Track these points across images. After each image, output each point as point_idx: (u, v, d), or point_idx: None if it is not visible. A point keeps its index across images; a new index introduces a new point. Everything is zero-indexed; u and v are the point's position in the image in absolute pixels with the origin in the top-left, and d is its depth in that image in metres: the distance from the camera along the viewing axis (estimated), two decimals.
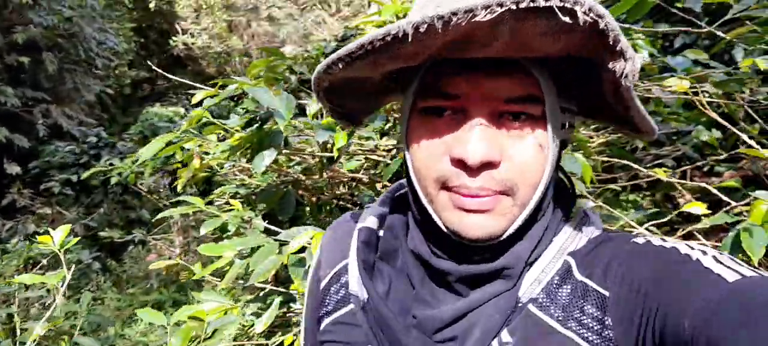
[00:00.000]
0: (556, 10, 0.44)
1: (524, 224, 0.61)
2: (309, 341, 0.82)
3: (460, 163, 0.56)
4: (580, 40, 0.49)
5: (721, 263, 0.51)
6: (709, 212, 1.51)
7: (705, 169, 2.21)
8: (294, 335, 2.24)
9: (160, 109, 9.05)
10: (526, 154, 0.57)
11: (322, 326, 0.75)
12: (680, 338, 0.48)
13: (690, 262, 0.52)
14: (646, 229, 1.67)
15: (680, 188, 1.79)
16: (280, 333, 2.14)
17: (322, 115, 1.84)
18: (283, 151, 2.05)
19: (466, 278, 0.62)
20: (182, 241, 5.61)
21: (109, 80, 10.49)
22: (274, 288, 2.18)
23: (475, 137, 0.55)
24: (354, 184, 2.52)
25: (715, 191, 1.49)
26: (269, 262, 1.75)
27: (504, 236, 0.60)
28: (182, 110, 9.11)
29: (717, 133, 1.96)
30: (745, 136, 1.42)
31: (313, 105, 1.76)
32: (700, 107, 1.36)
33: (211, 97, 1.69)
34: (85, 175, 4.22)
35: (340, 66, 0.56)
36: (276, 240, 1.83)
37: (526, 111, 0.56)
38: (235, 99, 2.18)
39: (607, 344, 0.55)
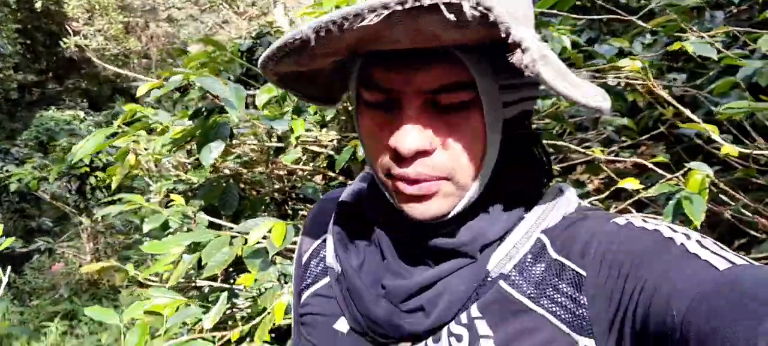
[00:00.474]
0: (442, 7, 0.45)
1: (477, 203, 0.62)
2: (295, 315, 0.83)
3: (395, 154, 0.58)
4: (481, 32, 0.49)
5: (707, 248, 0.51)
6: (642, 186, 1.65)
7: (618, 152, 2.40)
8: (240, 331, 2.20)
9: (57, 114, 8.46)
10: (460, 140, 0.58)
11: (302, 298, 0.77)
12: (666, 324, 0.48)
13: (675, 246, 0.52)
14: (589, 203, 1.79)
15: (608, 170, 1.94)
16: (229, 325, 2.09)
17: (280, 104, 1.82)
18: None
19: (430, 252, 0.64)
20: (92, 247, 5.29)
21: None
22: (221, 285, 2.14)
23: (406, 129, 0.56)
24: (294, 176, 2.51)
25: (651, 166, 1.62)
26: (222, 255, 1.72)
27: (450, 216, 0.61)
28: (81, 114, 8.58)
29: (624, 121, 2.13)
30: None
31: (262, 95, 1.74)
32: (650, 86, 1.48)
33: (158, 88, 1.63)
34: None
35: (270, 65, 0.58)
36: (227, 234, 1.80)
37: (457, 98, 0.57)
38: (182, 90, 2.09)
39: (581, 322, 0.56)
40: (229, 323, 2.29)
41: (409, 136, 0.56)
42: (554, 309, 0.57)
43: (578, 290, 0.57)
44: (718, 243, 0.53)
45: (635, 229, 0.57)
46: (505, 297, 0.60)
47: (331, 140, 2.37)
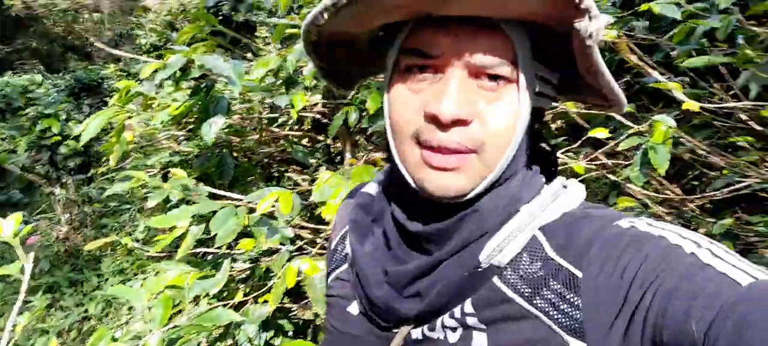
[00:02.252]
0: None
1: (491, 186, 0.62)
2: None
3: (433, 119, 0.57)
4: (546, 5, 0.51)
5: (720, 257, 0.50)
6: (611, 135, 1.80)
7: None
8: (243, 292, 2.33)
9: (13, 79, 8.17)
10: (497, 114, 0.58)
11: (328, 280, 0.83)
12: (685, 334, 0.47)
13: (686, 255, 0.51)
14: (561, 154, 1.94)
15: (578, 118, 2.08)
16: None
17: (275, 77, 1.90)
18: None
19: (433, 237, 0.64)
20: (70, 218, 5.27)
21: None
22: (217, 251, 2.24)
23: (449, 95, 0.56)
24: (281, 141, 2.60)
25: (619, 118, 1.75)
26: (231, 224, 1.82)
27: (470, 195, 0.61)
28: (38, 77, 8.30)
29: None
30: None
31: (259, 68, 1.81)
32: (619, 43, 1.60)
33: (162, 69, 1.68)
34: None
35: (326, 16, 0.57)
36: (231, 204, 1.89)
37: (500, 73, 0.58)
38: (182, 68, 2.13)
39: (573, 323, 0.55)
40: (231, 285, 2.42)
41: (452, 103, 0.56)
42: (547, 309, 0.57)
43: (572, 291, 0.56)
44: (729, 251, 0.52)
45: (640, 233, 0.56)
46: (498, 294, 0.60)
47: (316, 105, 2.46)
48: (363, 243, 0.72)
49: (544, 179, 0.68)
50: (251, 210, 1.90)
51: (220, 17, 5.75)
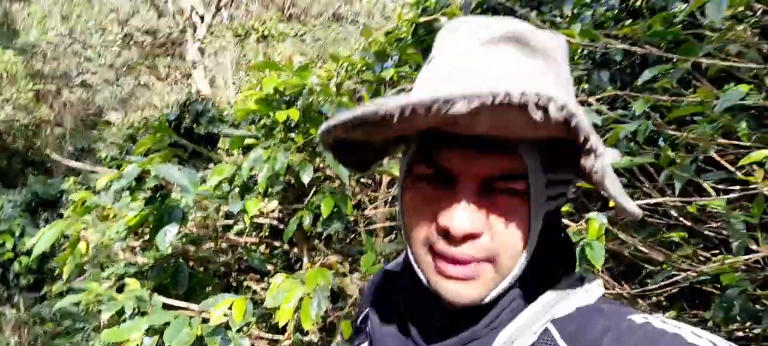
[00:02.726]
0: (531, 106, 0.48)
1: (507, 291, 0.63)
2: None
3: (444, 232, 0.59)
4: (557, 130, 0.52)
5: None
6: None
7: None
8: None
9: None
10: (509, 227, 0.59)
11: None
12: None
13: None
14: None
15: None
16: None
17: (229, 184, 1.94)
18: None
19: (449, 331, 0.65)
20: (19, 340, 5.02)
21: None
22: None
23: (461, 210, 0.58)
24: (238, 249, 2.61)
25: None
26: (184, 336, 1.80)
27: (485, 301, 0.62)
28: None
29: None
30: None
31: (213, 177, 1.87)
32: None
33: (117, 180, 1.72)
34: None
35: (335, 131, 0.58)
36: (185, 314, 1.88)
37: (511, 187, 0.59)
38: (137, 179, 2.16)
39: None
40: None
41: (463, 218, 0.57)
42: None
43: None
44: None
45: (655, 330, 0.55)
46: None
47: (273, 211, 2.50)
48: (382, 322, 0.74)
49: (561, 271, 0.68)
50: (205, 320, 1.89)
51: (182, 130, 5.87)
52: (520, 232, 0.60)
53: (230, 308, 1.72)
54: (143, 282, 2.34)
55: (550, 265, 0.66)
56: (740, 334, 1.71)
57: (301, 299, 1.53)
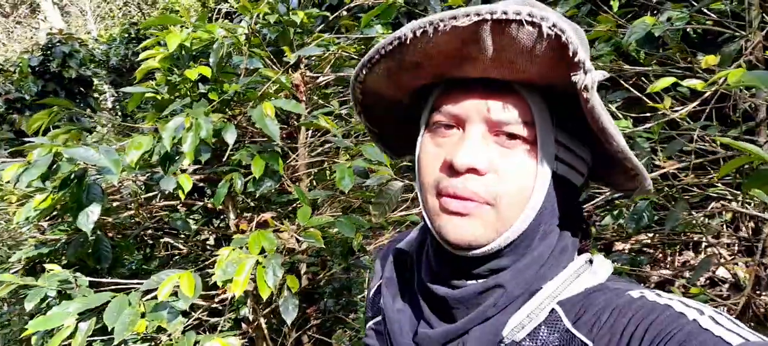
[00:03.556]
0: (524, 22, 0.53)
1: (512, 249, 0.65)
2: None
3: (449, 168, 0.62)
4: (550, 61, 0.56)
5: (720, 324, 0.52)
6: None
7: None
8: None
9: None
10: (513, 169, 0.62)
11: (366, 327, 0.86)
12: None
13: (688, 321, 0.53)
14: None
15: None
16: None
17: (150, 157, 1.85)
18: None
19: (458, 304, 0.67)
20: None
21: None
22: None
23: (466, 146, 0.61)
24: (159, 212, 2.51)
25: None
26: (126, 315, 1.75)
27: (486, 248, 0.64)
28: None
29: None
30: None
31: (132, 151, 1.77)
32: None
33: (25, 168, 1.58)
34: None
35: (363, 74, 0.65)
36: (121, 292, 1.82)
37: (517, 132, 0.62)
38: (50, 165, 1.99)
39: None
40: None
41: (467, 152, 0.61)
42: None
43: None
44: (731, 318, 0.54)
45: (648, 302, 0.57)
46: None
47: (191, 172, 2.42)
48: (395, 299, 0.76)
49: (574, 253, 0.70)
50: (144, 293, 1.84)
51: (49, 75, 5.31)
52: (525, 180, 0.62)
53: (179, 281, 1.68)
54: (60, 262, 2.21)
55: (563, 244, 0.68)
56: (646, 240, 1.96)
57: (254, 268, 1.54)
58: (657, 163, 1.73)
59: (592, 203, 1.84)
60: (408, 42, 0.57)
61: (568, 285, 0.65)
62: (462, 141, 0.62)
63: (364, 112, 0.75)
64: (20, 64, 5.32)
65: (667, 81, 1.60)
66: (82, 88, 5.48)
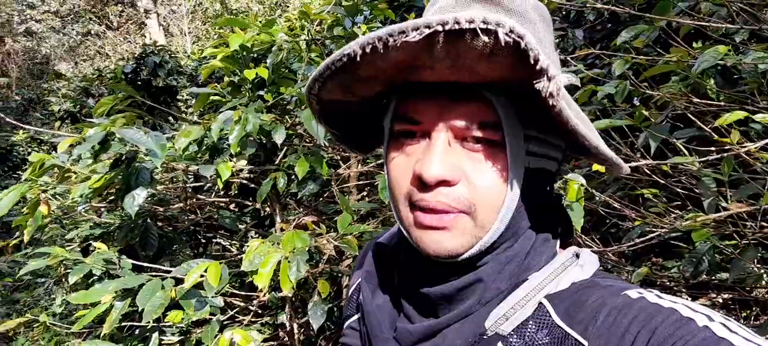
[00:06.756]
0: (479, 31, 0.48)
1: (492, 248, 0.63)
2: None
3: (419, 181, 0.59)
4: (511, 65, 0.51)
5: (735, 332, 0.48)
6: None
7: None
8: None
9: None
10: (484, 175, 0.59)
11: (344, 327, 0.83)
12: None
13: (698, 329, 0.49)
14: None
15: None
16: None
17: (199, 146, 1.89)
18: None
19: (439, 300, 0.65)
20: None
21: None
22: (144, 324, 2.16)
23: (433, 157, 0.58)
24: (208, 208, 2.56)
25: None
26: (157, 299, 1.77)
27: (465, 255, 0.61)
28: None
29: None
30: None
31: (181, 138, 1.81)
32: None
33: (78, 143, 1.65)
34: None
35: (316, 87, 0.60)
36: (160, 276, 1.85)
37: (485, 136, 0.59)
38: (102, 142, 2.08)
39: None
40: None
41: (434, 164, 0.58)
42: None
43: None
44: (740, 325, 0.51)
45: (650, 304, 0.54)
46: None
47: (242, 170, 2.46)
48: (374, 295, 0.74)
49: (557, 245, 0.68)
50: (178, 281, 1.86)
51: (139, 82, 5.64)
52: (497, 183, 0.59)
53: (206, 272, 1.68)
54: (110, 244, 2.28)
55: (544, 236, 0.66)
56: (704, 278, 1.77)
57: (279, 262, 1.51)
58: (724, 205, 1.57)
59: (644, 239, 1.69)
60: (358, 58, 0.53)
61: (554, 278, 0.62)
62: (429, 151, 0.59)
63: (324, 118, 0.71)
64: (115, 70, 5.68)
65: (738, 114, 1.46)
66: (167, 97, 5.78)
